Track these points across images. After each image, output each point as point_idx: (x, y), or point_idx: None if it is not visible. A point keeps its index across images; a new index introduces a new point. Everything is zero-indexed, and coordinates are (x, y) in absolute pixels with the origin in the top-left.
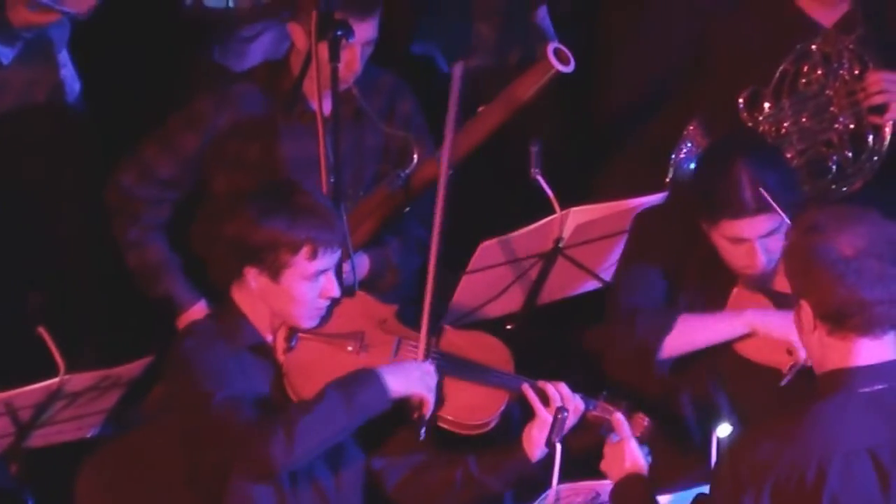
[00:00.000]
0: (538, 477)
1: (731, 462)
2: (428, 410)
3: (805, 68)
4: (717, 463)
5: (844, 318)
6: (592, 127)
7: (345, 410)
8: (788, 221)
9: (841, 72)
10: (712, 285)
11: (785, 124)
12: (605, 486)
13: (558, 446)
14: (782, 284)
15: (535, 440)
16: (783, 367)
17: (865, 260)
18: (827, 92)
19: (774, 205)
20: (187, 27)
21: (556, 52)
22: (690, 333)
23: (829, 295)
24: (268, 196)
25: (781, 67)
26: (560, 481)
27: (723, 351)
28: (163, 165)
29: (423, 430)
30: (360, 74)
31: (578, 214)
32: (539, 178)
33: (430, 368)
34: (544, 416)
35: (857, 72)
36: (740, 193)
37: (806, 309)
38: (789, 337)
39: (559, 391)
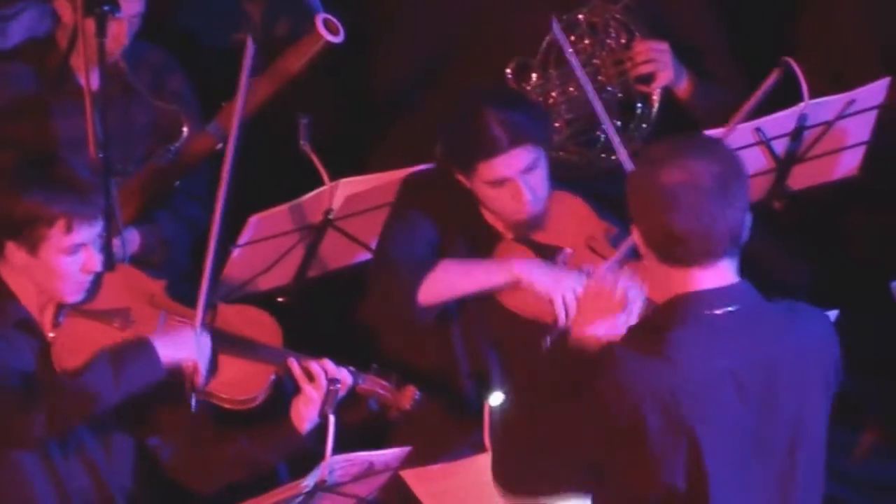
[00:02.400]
0: (313, 449)
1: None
2: (200, 379)
3: (572, 38)
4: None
5: (667, 248)
6: (366, 99)
7: (113, 382)
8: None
9: (608, 41)
10: (478, 246)
11: (553, 94)
12: (379, 456)
13: (331, 418)
14: (546, 236)
15: (302, 414)
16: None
17: (686, 192)
18: (594, 61)
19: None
20: None
21: (326, 23)
22: (452, 279)
23: (652, 225)
24: (26, 171)
25: (548, 38)
26: (334, 453)
27: (491, 305)
28: None
29: (194, 402)
30: (127, 49)
31: (348, 186)
32: (308, 150)
33: (205, 338)
34: (309, 392)
35: (623, 41)
36: (490, 132)
37: (637, 235)
38: (551, 292)
39: (323, 367)
